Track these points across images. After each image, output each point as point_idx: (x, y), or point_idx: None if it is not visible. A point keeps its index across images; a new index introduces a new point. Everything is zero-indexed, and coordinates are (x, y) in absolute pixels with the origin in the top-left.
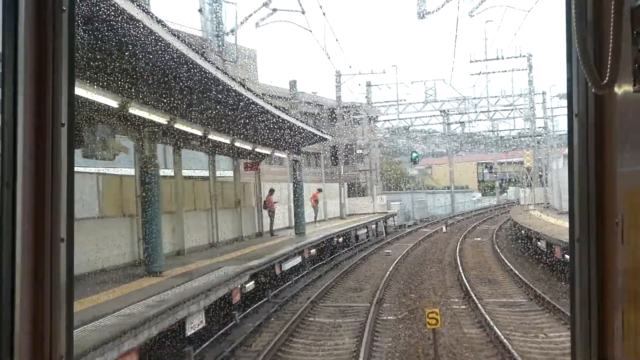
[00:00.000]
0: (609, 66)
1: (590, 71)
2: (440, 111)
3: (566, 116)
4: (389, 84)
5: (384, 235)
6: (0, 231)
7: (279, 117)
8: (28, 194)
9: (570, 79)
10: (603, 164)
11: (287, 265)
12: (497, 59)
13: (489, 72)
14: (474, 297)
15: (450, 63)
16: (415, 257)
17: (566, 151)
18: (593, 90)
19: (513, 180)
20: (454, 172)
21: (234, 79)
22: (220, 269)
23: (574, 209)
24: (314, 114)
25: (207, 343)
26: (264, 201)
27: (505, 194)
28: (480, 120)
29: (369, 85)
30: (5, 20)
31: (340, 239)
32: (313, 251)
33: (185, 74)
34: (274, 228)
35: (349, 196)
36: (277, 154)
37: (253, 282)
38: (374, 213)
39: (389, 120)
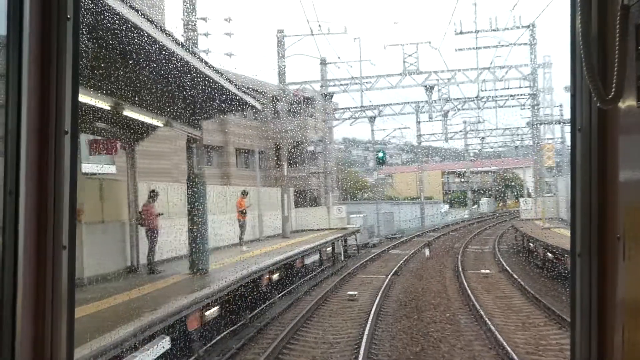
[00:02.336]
0: (614, 81)
1: (596, 86)
2: (425, 86)
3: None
4: (350, 61)
5: (343, 259)
6: (3, 238)
7: (160, 48)
8: (31, 201)
9: (574, 94)
10: (605, 179)
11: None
12: (491, 29)
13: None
14: None
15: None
16: (398, 302)
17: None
18: (598, 104)
19: (486, 190)
20: (417, 181)
21: None
22: None
23: (576, 223)
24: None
25: None
26: (139, 212)
27: (476, 206)
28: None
29: (323, 63)
30: (10, 29)
31: (276, 276)
32: (213, 311)
33: None
34: (154, 260)
35: (296, 206)
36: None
37: None
38: (329, 229)
39: (349, 109)
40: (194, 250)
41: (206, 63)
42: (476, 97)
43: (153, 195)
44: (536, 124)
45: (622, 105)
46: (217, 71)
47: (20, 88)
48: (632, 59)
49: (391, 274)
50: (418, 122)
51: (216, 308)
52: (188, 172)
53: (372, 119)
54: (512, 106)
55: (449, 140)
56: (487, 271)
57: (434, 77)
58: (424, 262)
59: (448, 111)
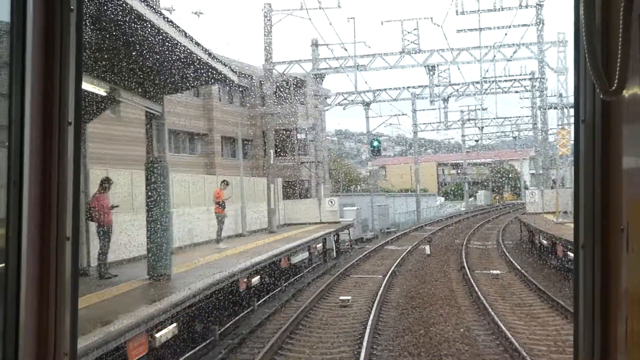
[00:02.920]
0: (617, 72)
1: (599, 77)
2: (426, 66)
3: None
4: (344, 43)
5: (335, 256)
6: (7, 229)
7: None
8: (34, 192)
9: (577, 86)
10: (609, 171)
11: None
12: (495, 10)
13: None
14: None
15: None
16: (399, 310)
17: (532, 153)
18: (602, 96)
19: (482, 183)
20: (411, 174)
21: None
22: None
23: (579, 215)
24: (240, 87)
25: None
26: (88, 204)
27: (473, 198)
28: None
29: (315, 45)
30: (14, 20)
31: (256, 279)
32: (167, 331)
33: None
34: (108, 261)
35: (285, 198)
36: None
37: None
38: (321, 223)
39: (342, 94)
40: (152, 250)
41: (169, 21)
42: (483, 78)
43: (105, 183)
44: (545, 108)
45: (625, 96)
46: (182, 32)
47: (24, 79)
48: (636, 50)
49: (389, 274)
50: (414, 111)
51: (173, 326)
52: (147, 156)
53: (366, 105)
54: (517, 91)
55: (449, 128)
56: (497, 272)
57: (436, 57)
58: (425, 260)
59: (449, 97)
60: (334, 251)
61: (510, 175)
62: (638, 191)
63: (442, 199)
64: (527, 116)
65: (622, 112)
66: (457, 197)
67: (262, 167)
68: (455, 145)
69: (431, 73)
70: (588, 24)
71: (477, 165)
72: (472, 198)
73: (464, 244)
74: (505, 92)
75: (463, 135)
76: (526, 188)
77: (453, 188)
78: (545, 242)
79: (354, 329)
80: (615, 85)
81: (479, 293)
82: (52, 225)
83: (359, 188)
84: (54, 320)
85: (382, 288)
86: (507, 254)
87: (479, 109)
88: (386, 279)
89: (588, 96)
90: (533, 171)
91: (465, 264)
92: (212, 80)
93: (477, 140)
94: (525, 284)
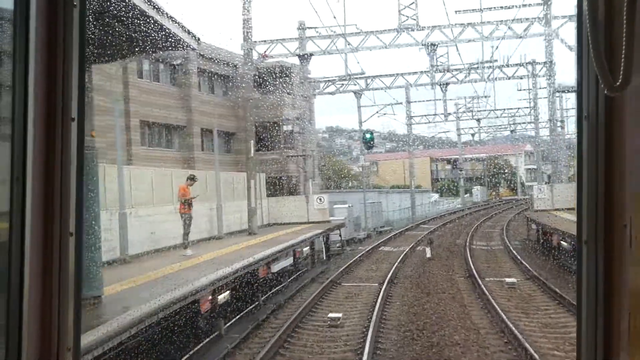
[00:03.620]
0: (621, 68)
1: (603, 72)
2: (425, 45)
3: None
4: (332, 26)
5: (325, 259)
6: (11, 225)
7: None
8: (38, 188)
9: (580, 81)
10: (612, 166)
11: None
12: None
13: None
14: None
15: None
16: (402, 331)
17: (527, 147)
18: (605, 92)
19: (477, 178)
20: (404, 169)
21: None
22: None
23: (582, 211)
24: (224, 76)
25: None
26: None
27: (469, 194)
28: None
29: (302, 28)
30: (17, 16)
31: (224, 296)
32: None
33: None
34: None
35: (270, 195)
36: None
37: None
38: (308, 223)
39: (331, 82)
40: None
41: None
42: (484, 62)
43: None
44: (562, 91)
45: (629, 92)
46: None
47: (27, 75)
48: None
49: (386, 281)
50: (408, 102)
51: None
52: None
53: (358, 94)
54: (522, 77)
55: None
56: (513, 280)
57: (437, 35)
58: (426, 264)
59: (448, 83)
60: (324, 253)
61: (506, 171)
62: None
63: (437, 195)
64: (526, 107)
65: (626, 107)
66: (451, 193)
67: (239, 161)
68: (447, 141)
69: (432, 52)
70: (592, 19)
71: (471, 160)
72: (468, 194)
73: (467, 244)
74: (510, 79)
75: (459, 129)
76: (522, 184)
77: (447, 184)
78: (565, 244)
79: (346, 359)
80: (619, 81)
81: (498, 309)
82: (55, 221)
83: (350, 185)
84: (58, 316)
85: (379, 301)
86: (518, 256)
87: (479, 98)
88: (383, 288)
89: (591, 92)
90: (529, 166)
91: (473, 270)
92: (166, 45)
93: (473, 135)
94: (549, 295)
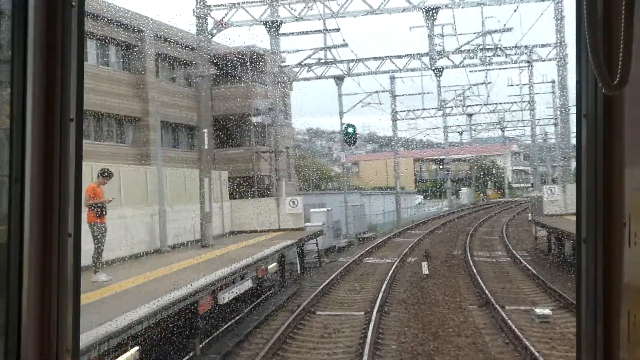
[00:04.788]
0: (619, 66)
1: (601, 71)
2: (423, 10)
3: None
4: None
5: (299, 272)
6: (9, 226)
7: None
8: (36, 189)
9: (579, 80)
10: (611, 165)
11: None
12: None
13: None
14: None
15: None
16: None
17: (514, 148)
18: (604, 90)
19: (463, 180)
20: (387, 169)
21: None
22: None
23: (581, 209)
24: (185, 62)
25: None
26: None
27: (455, 196)
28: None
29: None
30: (15, 16)
31: (134, 351)
32: None
33: None
34: None
35: (235, 197)
36: None
37: None
38: (279, 230)
39: (308, 65)
40: None
41: None
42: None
43: None
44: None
45: (627, 90)
46: None
47: (25, 76)
48: (638, 44)
49: (375, 310)
50: (393, 96)
51: None
52: None
53: (339, 80)
54: (528, 61)
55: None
56: (545, 311)
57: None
58: (423, 283)
59: (443, 68)
60: (298, 266)
61: (493, 172)
62: None
63: (421, 197)
64: (523, 101)
65: (624, 106)
66: (436, 195)
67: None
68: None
69: (430, 19)
70: (590, 18)
71: (456, 161)
72: (454, 196)
73: (467, 255)
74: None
75: (446, 127)
76: (510, 186)
77: (432, 185)
78: None
79: None
80: (617, 79)
81: None
82: (54, 222)
83: (330, 186)
84: (57, 317)
85: (367, 345)
86: (532, 270)
87: (478, 86)
88: (372, 321)
89: (590, 90)
90: (516, 167)
91: (487, 293)
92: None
93: (461, 133)
94: None
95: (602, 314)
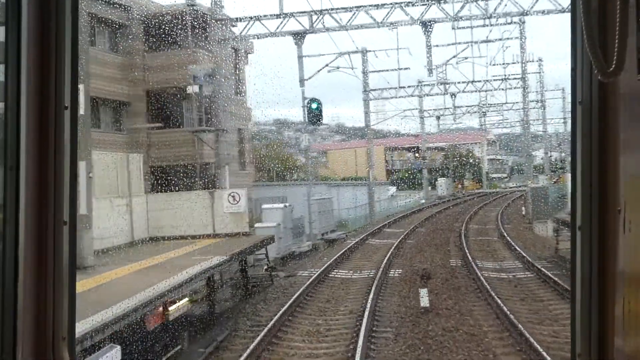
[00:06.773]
0: (615, 54)
1: (597, 58)
2: None
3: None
4: None
5: (245, 292)
6: (4, 214)
7: None
8: (31, 177)
9: (574, 67)
10: (606, 152)
11: None
12: None
13: None
14: None
15: None
16: None
17: (490, 136)
18: (599, 77)
19: (439, 169)
20: (356, 159)
21: None
22: None
23: (576, 196)
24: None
25: None
26: None
27: (430, 187)
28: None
29: None
30: (9, 5)
31: None
32: None
33: None
34: None
35: (157, 190)
36: None
37: None
38: (213, 237)
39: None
40: None
41: None
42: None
43: None
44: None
45: (622, 78)
46: None
47: (20, 64)
48: (633, 31)
49: None
50: (365, 72)
51: None
52: None
53: (299, 37)
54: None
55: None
56: None
57: None
58: (423, 323)
59: (431, 22)
60: (243, 285)
61: (470, 161)
62: (635, 172)
63: (394, 188)
64: (516, 78)
65: (619, 93)
66: (410, 186)
67: (146, 141)
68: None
69: None
70: (586, 6)
71: (431, 149)
72: (430, 187)
73: (474, 269)
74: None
75: (421, 110)
76: (487, 176)
77: (405, 175)
78: None
79: None
80: (612, 66)
81: None
82: (49, 209)
83: (296, 177)
84: (52, 305)
85: None
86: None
87: (479, 43)
88: None
89: (585, 78)
90: (492, 156)
91: (530, 339)
92: None
93: (438, 117)
94: None
95: (597, 300)
